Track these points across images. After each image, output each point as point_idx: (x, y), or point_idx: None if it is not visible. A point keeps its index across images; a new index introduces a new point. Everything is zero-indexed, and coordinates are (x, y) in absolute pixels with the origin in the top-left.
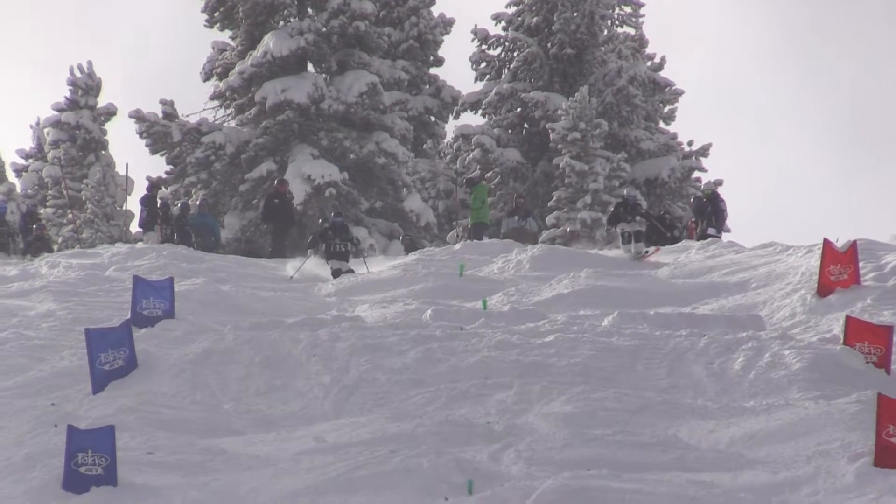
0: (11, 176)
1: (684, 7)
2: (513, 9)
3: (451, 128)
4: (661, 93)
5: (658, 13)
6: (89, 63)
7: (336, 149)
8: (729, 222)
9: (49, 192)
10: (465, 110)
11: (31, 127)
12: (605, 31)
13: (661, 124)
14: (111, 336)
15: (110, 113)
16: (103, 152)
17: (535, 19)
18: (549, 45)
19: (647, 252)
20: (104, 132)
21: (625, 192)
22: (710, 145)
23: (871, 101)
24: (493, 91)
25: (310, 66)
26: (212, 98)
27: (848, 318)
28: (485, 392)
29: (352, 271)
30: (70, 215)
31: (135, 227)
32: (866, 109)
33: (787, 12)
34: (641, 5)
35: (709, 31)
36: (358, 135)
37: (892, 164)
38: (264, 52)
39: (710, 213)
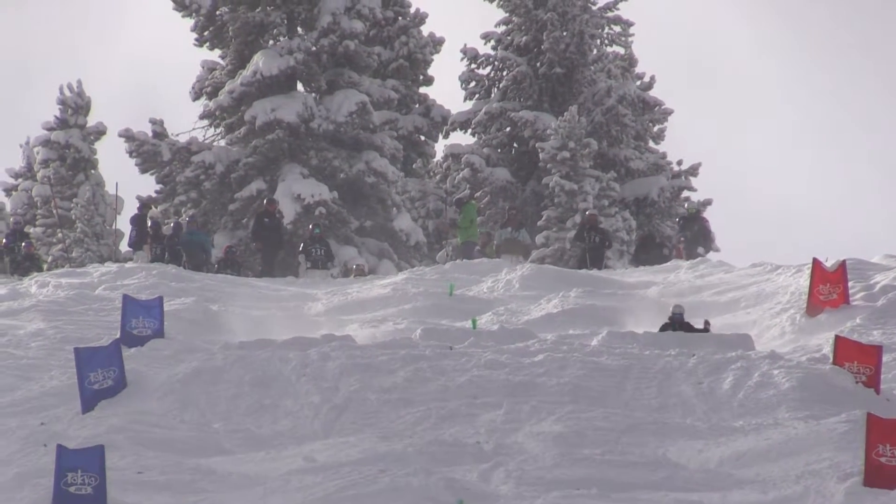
0: (1, 195)
1: (674, 26)
2: (502, 28)
3: (440, 147)
4: (650, 112)
5: (648, 32)
6: (79, 82)
7: (326, 168)
8: (719, 242)
9: (39, 211)
10: (454, 129)
11: (21, 146)
12: (595, 51)
13: (651, 143)
14: (100, 355)
15: (100, 132)
16: (93, 171)
17: (524, 38)
18: (538, 64)
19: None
20: (94, 151)
21: (671, 310)
22: (699, 164)
23: (866, 120)
24: (483, 110)
25: (299, 86)
26: (201, 117)
27: (837, 338)
28: (474, 411)
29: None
30: (59, 234)
31: (124, 247)
32: (860, 129)
33: (780, 31)
34: (631, 24)
35: (701, 50)
36: (348, 154)
37: (882, 183)
38: (254, 71)
39: (697, 233)
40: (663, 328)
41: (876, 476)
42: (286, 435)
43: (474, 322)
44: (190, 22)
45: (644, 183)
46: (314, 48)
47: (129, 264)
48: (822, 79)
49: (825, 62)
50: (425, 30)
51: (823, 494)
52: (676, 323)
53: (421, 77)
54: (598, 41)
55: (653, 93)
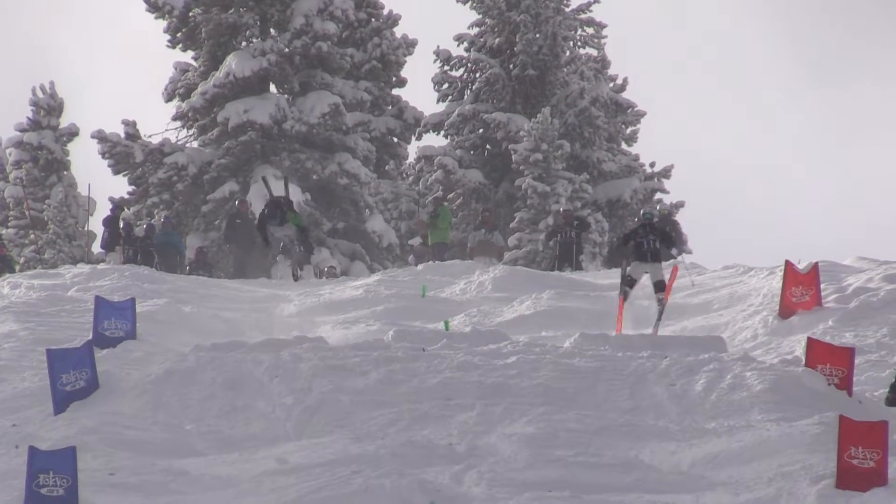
0: None
1: (647, 28)
2: (475, 30)
3: (413, 149)
4: (623, 114)
5: (620, 34)
6: (51, 83)
7: (298, 170)
8: (691, 244)
9: (11, 212)
10: (427, 131)
11: None
12: (568, 53)
13: (624, 145)
14: (73, 357)
15: (72, 133)
16: (65, 172)
17: (497, 40)
18: (511, 66)
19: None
20: (66, 152)
21: (648, 209)
22: (671, 167)
23: (840, 122)
24: (456, 112)
25: (272, 87)
26: (174, 118)
27: (810, 340)
28: (447, 413)
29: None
30: (32, 236)
31: (97, 248)
32: (835, 131)
33: (755, 31)
34: (604, 27)
35: (672, 51)
36: (320, 155)
37: (855, 185)
38: (227, 72)
39: (668, 234)
40: (631, 231)
41: (848, 478)
42: (259, 436)
43: (447, 324)
44: (163, 23)
45: (617, 185)
46: (287, 49)
47: (101, 265)
48: (798, 80)
49: (802, 61)
50: (398, 31)
51: (796, 496)
52: (648, 225)
53: (394, 79)
54: (571, 43)
55: (626, 95)
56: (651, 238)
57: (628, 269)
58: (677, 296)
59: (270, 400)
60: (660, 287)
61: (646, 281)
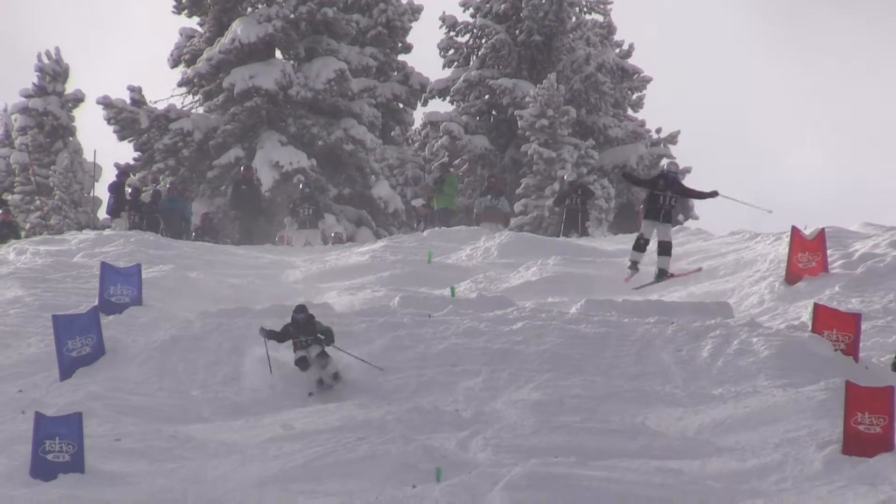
0: None
1: None
2: None
3: (419, 115)
4: (629, 80)
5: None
6: (57, 49)
7: (304, 135)
8: (697, 210)
9: (17, 178)
10: (433, 97)
11: None
12: (574, 18)
13: (630, 111)
14: (79, 323)
15: (78, 99)
16: (71, 139)
17: (503, 6)
18: (517, 31)
19: (670, 274)
20: (72, 118)
21: (664, 165)
22: (678, 132)
23: (845, 85)
24: (462, 78)
25: (278, 53)
26: (180, 85)
27: (816, 306)
28: (453, 379)
29: (326, 355)
30: (38, 202)
31: (103, 214)
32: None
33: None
34: None
35: (678, 16)
36: (326, 121)
37: (862, 152)
38: (232, 38)
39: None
40: (654, 179)
41: (854, 444)
42: (265, 403)
43: (453, 290)
44: None
45: (623, 151)
46: (292, 15)
47: (107, 232)
48: (803, 45)
49: (807, 28)
50: None
51: (802, 462)
52: (670, 180)
53: (399, 45)
54: (577, 9)
55: (631, 60)
56: (668, 194)
57: (641, 230)
58: (683, 262)
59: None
60: (664, 249)
61: (653, 244)
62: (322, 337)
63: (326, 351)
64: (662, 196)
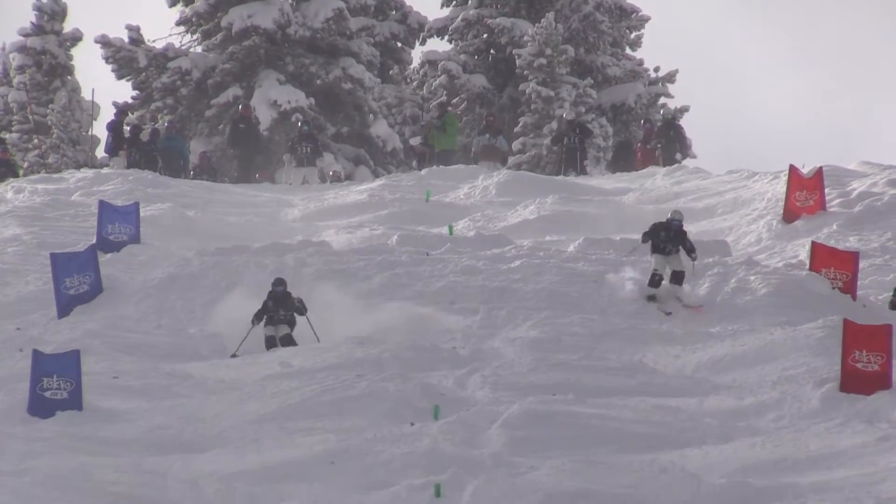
0: None
1: None
2: None
3: (417, 53)
4: (627, 19)
5: None
6: None
7: (302, 74)
8: (695, 148)
9: (14, 117)
10: (431, 36)
11: None
12: None
13: (628, 50)
14: (76, 261)
15: (76, 38)
16: (69, 77)
17: None
18: None
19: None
20: (70, 57)
21: (669, 214)
22: (676, 71)
23: (844, 28)
24: (460, 17)
25: None
26: (178, 23)
27: (814, 244)
28: (451, 317)
29: (292, 340)
30: (35, 140)
31: (101, 153)
32: (837, 35)
33: None
34: None
35: None
36: (324, 60)
37: (860, 89)
38: None
39: (672, 139)
40: (654, 228)
41: (852, 381)
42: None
43: (451, 228)
44: None
45: (621, 90)
46: None
47: (105, 170)
48: None
49: None
50: None
51: (800, 400)
52: (673, 231)
53: None
54: None
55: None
56: (670, 247)
57: (653, 266)
58: (681, 200)
59: None
60: (677, 278)
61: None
62: (296, 316)
63: (293, 336)
64: (665, 247)
